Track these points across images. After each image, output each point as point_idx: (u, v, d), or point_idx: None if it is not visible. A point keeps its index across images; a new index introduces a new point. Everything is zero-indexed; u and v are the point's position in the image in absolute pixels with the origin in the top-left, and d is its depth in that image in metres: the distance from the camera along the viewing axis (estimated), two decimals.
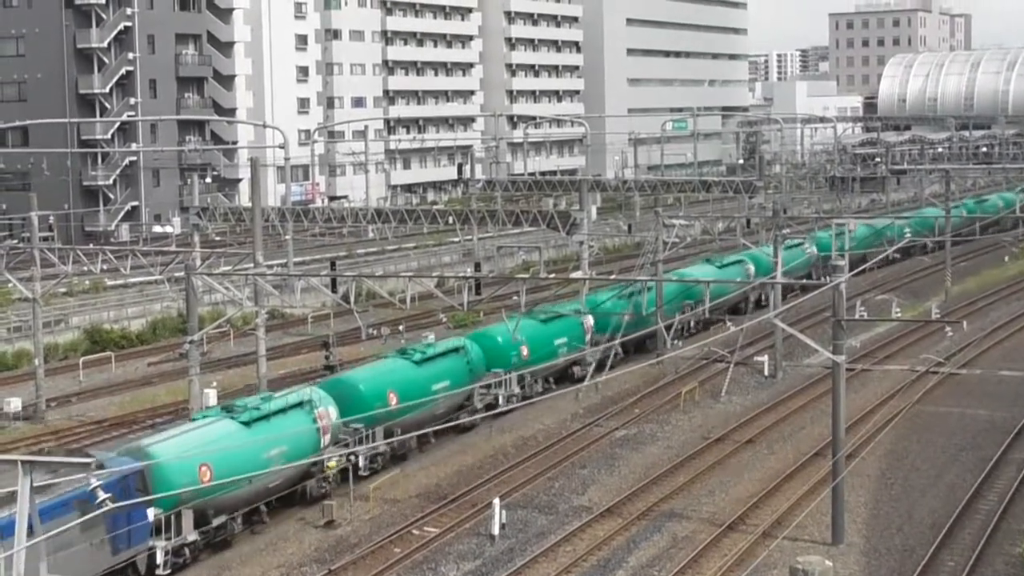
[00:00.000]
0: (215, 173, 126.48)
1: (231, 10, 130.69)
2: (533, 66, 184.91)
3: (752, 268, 78.41)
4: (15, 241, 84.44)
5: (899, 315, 75.25)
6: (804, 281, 70.13)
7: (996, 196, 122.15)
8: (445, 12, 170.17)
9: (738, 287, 72.68)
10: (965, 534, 39.46)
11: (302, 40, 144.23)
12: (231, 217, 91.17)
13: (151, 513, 36.32)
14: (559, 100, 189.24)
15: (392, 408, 47.67)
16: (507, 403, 55.20)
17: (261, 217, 58.65)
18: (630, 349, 65.47)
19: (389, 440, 46.78)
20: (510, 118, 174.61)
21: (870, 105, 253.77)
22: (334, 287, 65.79)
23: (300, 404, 43.65)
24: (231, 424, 41.06)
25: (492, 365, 55.44)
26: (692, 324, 71.43)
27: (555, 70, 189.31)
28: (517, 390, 56.10)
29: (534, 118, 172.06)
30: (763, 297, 77.65)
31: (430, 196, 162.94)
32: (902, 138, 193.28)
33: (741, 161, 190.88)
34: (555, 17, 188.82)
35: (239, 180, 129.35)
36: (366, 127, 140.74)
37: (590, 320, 61.96)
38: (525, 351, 56.87)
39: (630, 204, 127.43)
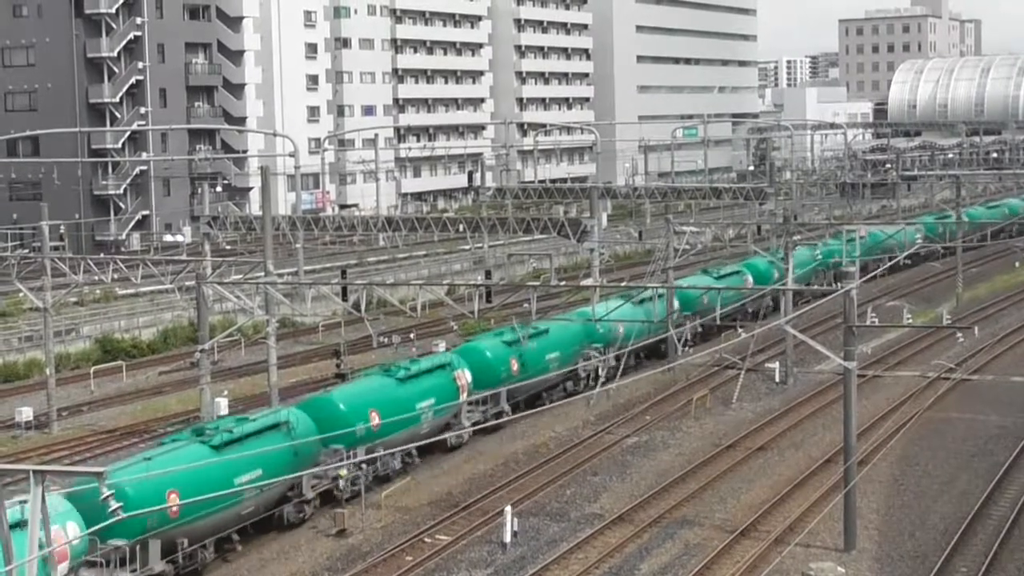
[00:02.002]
0: (225, 182, 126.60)
1: (241, 19, 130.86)
2: (543, 73, 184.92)
3: (750, 279, 77.17)
4: (26, 251, 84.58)
5: (910, 321, 75.16)
6: (815, 288, 69.96)
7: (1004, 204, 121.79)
8: (455, 20, 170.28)
9: (748, 294, 72.31)
10: (977, 540, 39.38)
11: (312, 49, 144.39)
12: (242, 226, 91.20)
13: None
14: (569, 107, 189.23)
15: (374, 427, 45.64)
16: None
17: (271, 226, 58.73)
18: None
19: (370, 457, 44.80)
20: (520, 125, 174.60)
21: (880, 111, 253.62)
22: (345, 295, 65.72)
23: (276, 426, 41.83)
24: (201, 449, 38.82)
25: (481, 382, 53.00)
26: (691, 337, 69.26)
27: (565, 77, 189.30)
28: (507, 407, 54.18)
29: (544, 125, 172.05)
30: (760, 310, 76.97)
31: (440, 204, 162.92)
32: (912, 144, 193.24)
33: (751, 168, 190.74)
34: (565, 24, 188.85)
35: (249, 189, 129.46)
36: (376, 135, 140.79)
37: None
38: (515, 366, 54.95)
39: (640, 211, 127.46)
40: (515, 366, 54.77)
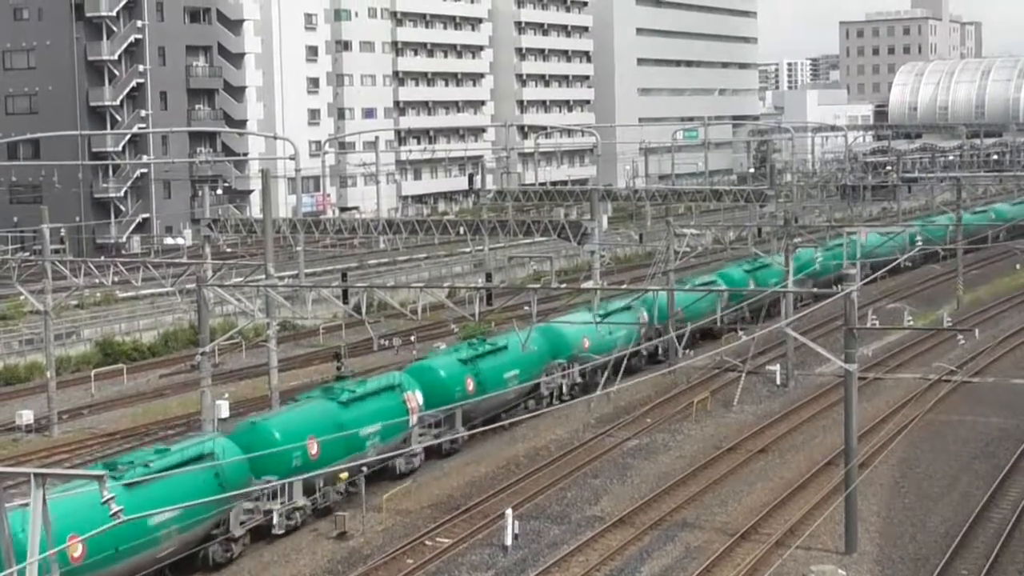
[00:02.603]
0: (226, 185, 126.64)
1: (241, 22, 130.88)
2: (543, 76, 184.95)
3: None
4: (27, 253, 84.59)
5: (911, 323, 75.14)
6: (816, 290, 69.92)
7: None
8: (455, 23, 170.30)
9: (752, 294, 72.15)
10: (979, 543, 39.36)
11: (312, 51, 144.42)
12: (242, 229, 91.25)
13: None
14: (570, 110, 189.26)
15: (312, 456, 42.45)
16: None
17: (272, 228, 58.74)
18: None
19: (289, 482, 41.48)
20: (521, 128, 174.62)
21: (881, 113, 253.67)
22: (345, 298, 65.78)
23: (200, 458, 38.62)
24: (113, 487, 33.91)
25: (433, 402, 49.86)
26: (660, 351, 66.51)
27: (565, 80, 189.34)
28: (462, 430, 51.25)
29: (545, 128, 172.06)
30: (736, 323, 73.84)
31: (441, 207, 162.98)
32: (913, 146, 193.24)
33: (752, 170, 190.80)
34: (565, 27, 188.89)
35: (250, 192, 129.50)
36: (377, 138, 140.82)
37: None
38: (471, 385, 51.84)
39: (641, 214, 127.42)
40: (471, 385, 51.66)
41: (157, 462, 37.41)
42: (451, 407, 50.70)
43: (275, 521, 41.00)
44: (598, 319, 57.53)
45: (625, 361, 60.27)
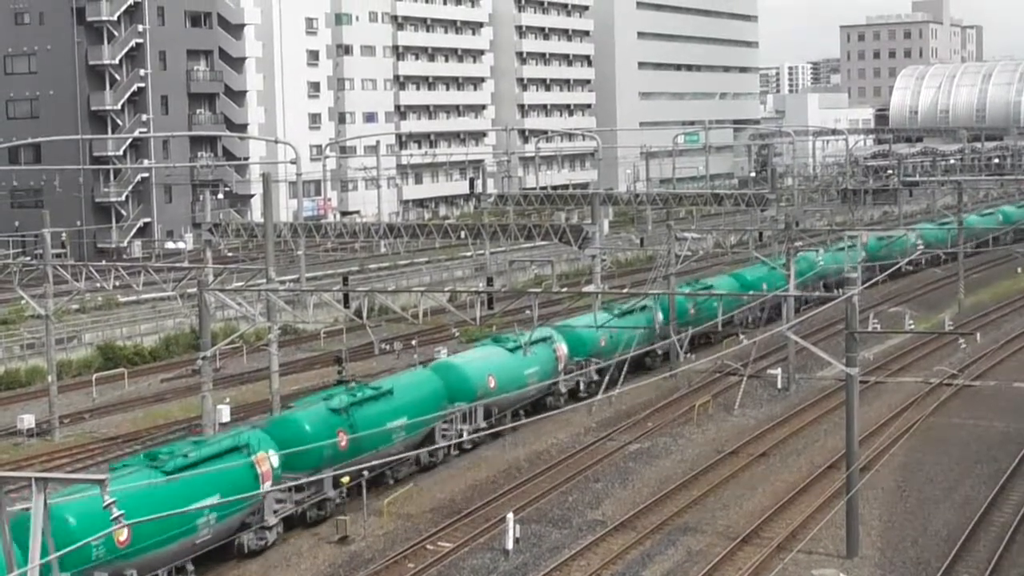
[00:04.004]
0: (227, 189, 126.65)
1: (242, 26, 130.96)
2: (544, 80, 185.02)
3: (659, 314, 66.28)
4: (28, 258, 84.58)
5: (912, 327, 75.11)
6: (818, 294, 69.88)
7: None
8: (456, 27, 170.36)
9: (750, 300, 72.22)
10: (980, 547, 39.33)
11: (313, 56, 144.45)
12: (243, 233, 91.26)
13: None
14: (570, 114, 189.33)
15: (119, 544, 34.62)
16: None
17: (273, 232, 58.72)
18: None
19: None
20: (521, 132, 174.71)
21: (882, 117, 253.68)
22: (346, 302, 65.78)
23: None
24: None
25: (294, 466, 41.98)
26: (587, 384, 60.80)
27: (566, 84, 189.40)
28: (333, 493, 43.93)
29: (546, 132, 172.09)
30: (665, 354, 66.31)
31: (442, 211, 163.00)
32: (914, 150, 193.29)
33: (753, 174, 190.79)
34: (566, 31, 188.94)
35: (251, 196, 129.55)
36: (378, 142, 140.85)
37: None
38: (344, 440, 44.36)
39: (642, 217, 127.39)
40: (344, 439, 44.12)
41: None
42: (317, 469, 42.65)
43: None
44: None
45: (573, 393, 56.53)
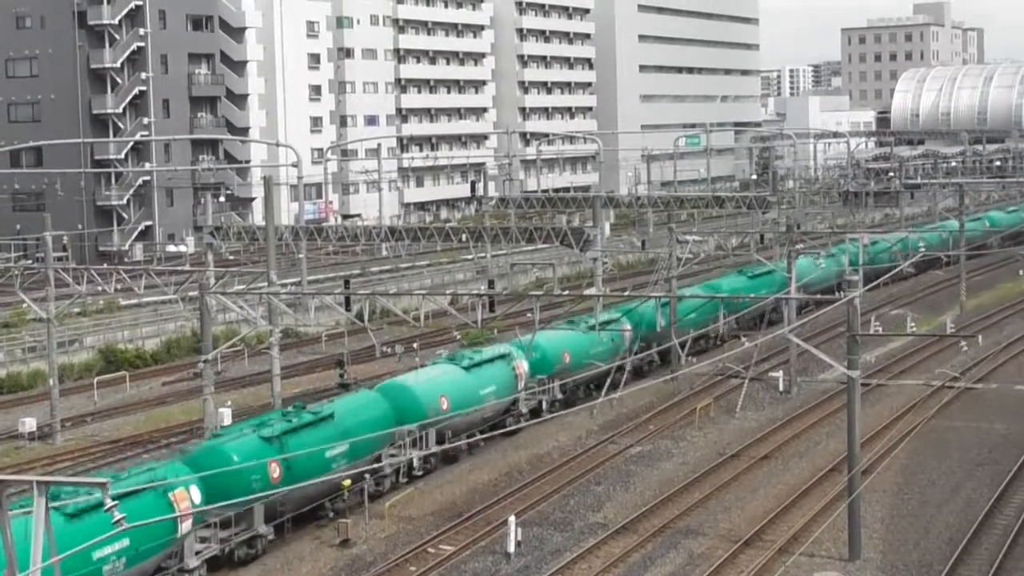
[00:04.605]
0: (228, 192, 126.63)
1: (244, 29, 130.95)
2: (546, 83, 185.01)
3: (629, 329, 63.59)
4: (29, 261, 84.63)
5: (914, 330, 75.09)
6: (819, 296, 69.88)
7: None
8: (458, 30, 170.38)
9: (754, 301, 72.12)
10: (982, 549, 39.30)
11: (315, 59, 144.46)
12: (245, 236, 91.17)
13: None
14: (572, 117, 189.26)
15: None
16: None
17: (274, 236, 58.72)
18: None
19: None
20: (523, 135, 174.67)
21: (883, 120, 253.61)
22: (348, 305, 65.79)
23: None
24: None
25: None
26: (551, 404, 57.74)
27: (567, 87, 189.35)
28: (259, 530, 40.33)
29: (547, 135, 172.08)
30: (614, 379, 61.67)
31: (443, 214, 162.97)
32: (915, 152, 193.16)
33: (754, 176, 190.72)
34: (567, 34, 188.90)
35: (252, 199, 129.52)
36: (379, 145, 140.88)
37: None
38: (277, 471, 40.72)
39: (643, 220, 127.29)
40: (277, 471, 40.58)
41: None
42: (245, 501, 39.08)
43: None
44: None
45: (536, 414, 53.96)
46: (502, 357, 54.46)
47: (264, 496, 39.40)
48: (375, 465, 45.57)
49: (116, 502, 21.15)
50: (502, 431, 52.53)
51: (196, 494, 37.54)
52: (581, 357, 59.51)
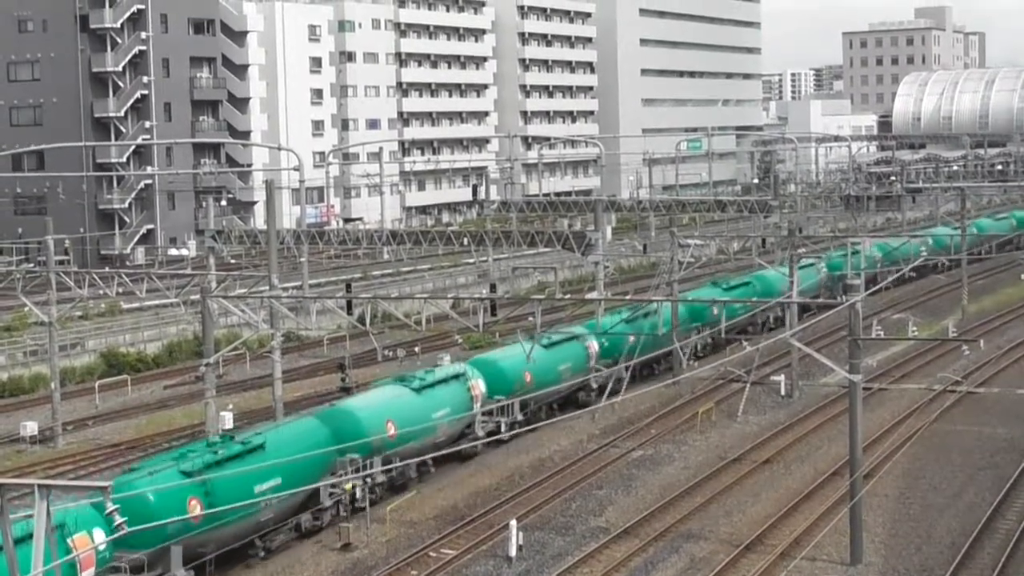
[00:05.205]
0: (230, 196, 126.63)
1: (245, 33, 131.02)
2: (547, 87, 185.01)
3: (594, 345, 61.16)
4: (31, 265, 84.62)
5: (915, 334, 75.06)
6: (821, 300, 69.81)
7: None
8: (459, 34, 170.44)
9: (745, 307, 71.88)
10: (984, 554, 39.27)
11: (316, 63, 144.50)
12: (246, 240, 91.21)
13: None
14: (573, 121, 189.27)
15: None
16: None
17: (276, 239, 58.69)
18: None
19: None
20: (524, 139, 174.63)
21: (885, 124, 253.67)
22: (349, 309, 65.74)
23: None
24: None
25: None
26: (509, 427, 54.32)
27: (569, 91, 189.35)
28: None
29: (548, 139, 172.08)
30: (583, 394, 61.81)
31: (445, 217, 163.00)
32: (917, 156, 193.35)
33: (756, 180, 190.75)
34: (569, 38, 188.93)
35: (254, 203, 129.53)
36: (381, 149, 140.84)
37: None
38: (197, 508, 37.57)
39: (645, 224, 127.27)
40: (197, 508, 37.07)
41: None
42: (162, 548, 35.67)
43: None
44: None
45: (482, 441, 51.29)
46: (456, 377, 51.65)
47: (182, 538, 35.96)
48: (312, 497, 42.49)
49: (117, 506, 21.12)
50: (458, 449, 49.79)
51: (100, 538, 33.59)
52: (544, 375, 56.25)
